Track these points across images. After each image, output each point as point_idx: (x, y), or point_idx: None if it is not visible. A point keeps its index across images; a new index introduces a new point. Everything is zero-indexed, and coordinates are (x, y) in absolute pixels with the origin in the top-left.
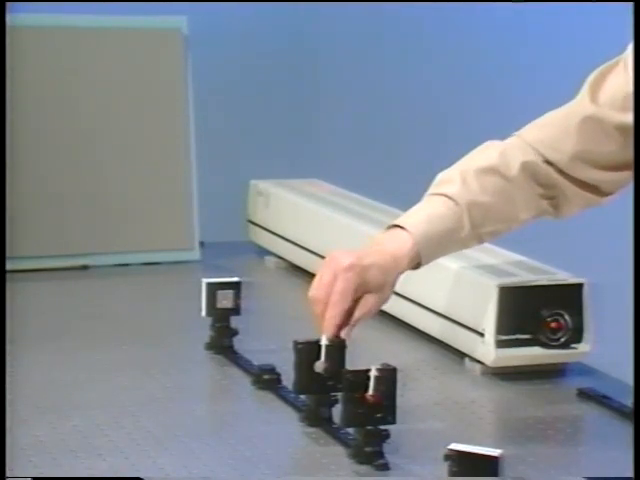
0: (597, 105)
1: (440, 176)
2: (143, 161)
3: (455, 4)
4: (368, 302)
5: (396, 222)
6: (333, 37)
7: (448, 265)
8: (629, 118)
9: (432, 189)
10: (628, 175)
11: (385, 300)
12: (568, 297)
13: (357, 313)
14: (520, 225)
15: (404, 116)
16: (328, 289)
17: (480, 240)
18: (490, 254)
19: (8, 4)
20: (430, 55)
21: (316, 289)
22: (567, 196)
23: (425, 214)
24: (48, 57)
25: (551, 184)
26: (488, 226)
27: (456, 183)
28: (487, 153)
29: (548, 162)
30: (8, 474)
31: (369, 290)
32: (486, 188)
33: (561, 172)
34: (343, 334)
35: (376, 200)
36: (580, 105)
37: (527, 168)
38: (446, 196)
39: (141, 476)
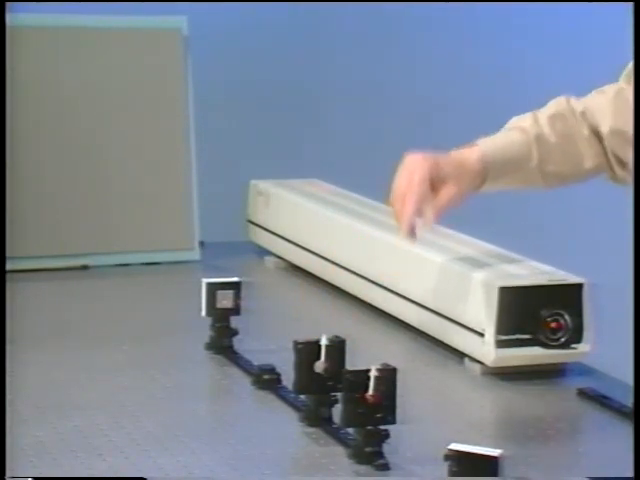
0: (629, 86)
1: (514, 118)
2: (143, 161)
3: (455, 4)
4: (450, 190)
5: (478, 143)
6: (333, 37)
7: (448, 265)
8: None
9: (506, 127)
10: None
11: (464, 192)
12: (568, 297)
13: (440, 201)
14: (584, 175)
15: (404, 116)
16: (406, 183)
17: (545, 179)
18: (490, 254)
19: (8, 4)
20: (431, 55)
21: (395, 187)
22: (610, 162)
23: (498, 139)
24: (48, 57)
25: (601, 140)
26: (554, 164)
27: (528, 120)
28: (558, 102)
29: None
30: (8, 474)
31: (446, 179)
32: (555, 129)
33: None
34: (425, 220)
35: (376, 200)
36: (619, 85)
37: (584, 117)
38: (519, 128)
39: (141, 476)
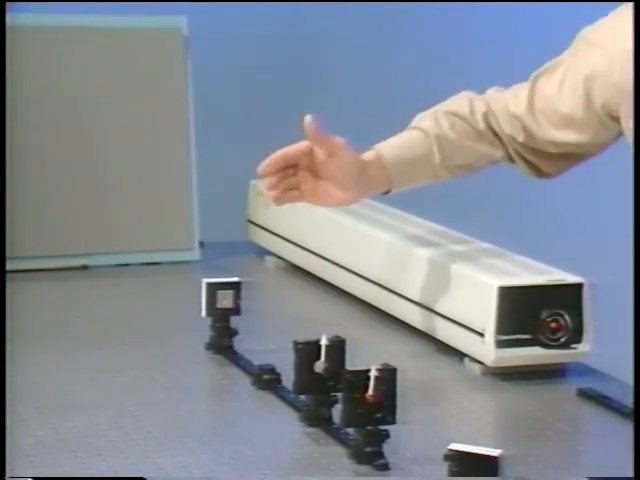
0: (531, 112)
1: (417, 116)
2: (143, 161)
3: (456, 4)
4: (337, 194)
5: (376, 146)
6: (333, 37)
7: (448, 265)
8: (558, 135)
9: (408, 127)
10: (566, 164)
11: (358, 197)
12: (568, 297)
13: (321, 199)
14: (490, 163)
15: (404, 116)
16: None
17: (452, 173)
18: (490, 254)
19: (8, 4)
20: (431, 55)
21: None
22: (512, 158)
23: (399, 142)
24: (48, 57)
25: (502, 140)
26: (458, 159)
27: (429, 120)
28: (459, 101)
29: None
30: (8, 474)
31: (333, 180)
32: (454, 127)
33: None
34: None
35: (376, 200)
36: (517, 103)
37: (484, 120)
38: (419, 129)
39: (141, 476)
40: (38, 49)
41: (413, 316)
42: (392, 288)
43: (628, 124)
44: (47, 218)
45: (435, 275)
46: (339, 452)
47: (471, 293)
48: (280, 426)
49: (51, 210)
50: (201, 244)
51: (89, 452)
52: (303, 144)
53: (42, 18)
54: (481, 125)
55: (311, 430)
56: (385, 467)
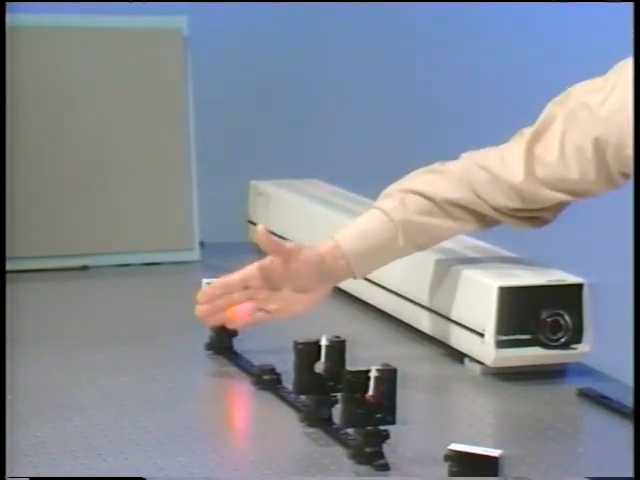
0: (531, 180)
1: (386, 190)
2: (143, 161)
3: (456, 4)
4: (302, 299)
5: (334, 235)
6: (333, 37)
7: (448, 265)
8: (564, 197)
9: (376, 202)
10: (563, 207)
11: (323, 295)
12: (568, 297)
13: (289, 309)
14: (464, 233)
15: (404, 116)
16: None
17: (419, 248)
18: (490, 254)
19: (8, 4)
20: (431, 55)
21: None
22: (498, 220)
23: (359, 230)
24: (48, 57)
25: (480, 213)
26: (425, 238)
27: (395, 200)
28: (428, 179)
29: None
30: (8, 474)
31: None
32: (422, 210)
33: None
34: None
35: (376, 200)
36: (511, 171)
37: (457, 204)
38: (383, 212)
39: (141, 476)
40: (38, 49)
41: (413, 316)
42: (392, 288)
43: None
44: (47, 218)
45: (435, 275)
46: (339, 452)
47: (471, 293)
48: (280, 426)
49: (51, 210)
50: (201, 244)
51: (89, 452)
52: (249, 268)
53: (42, 18)
54: (450, 207)
55: (311, 430)
56: (385, 467)
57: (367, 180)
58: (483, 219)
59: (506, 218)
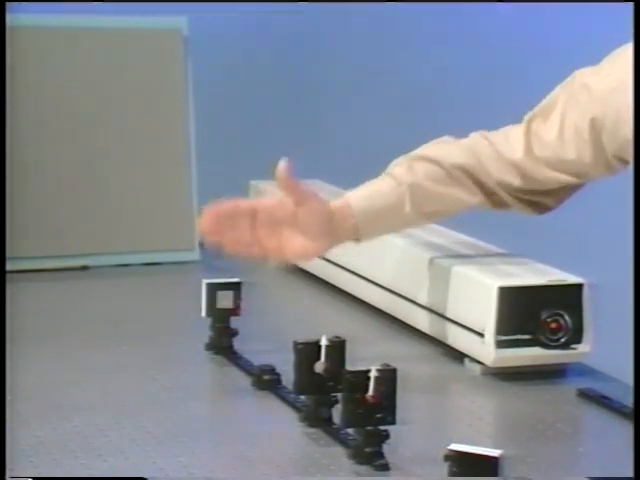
0: (530, 158)
1: (394, 161)
2: (143, 161)
3: (456, 4)
4: (307, 244)
5: (345, 196)
6: (333, 37)
7: (448, 265)
8: (564, 178)
9: (384, 172)
10: (565, 193)
11: (327, 246)
12: (568, 297)
13: (291, 250)
14: (466, 208)
15: (404, 116)
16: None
17: (427, 218)
18: (490, 254)
19: (8, 4)
20: (432, 55)
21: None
22: (504, 200)
23: (369, 191)
24: (48, 57)
25: (487, 187)
26: (431, 206)
27: (403, 166)
28: (436, 146)
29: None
30: (8, 474)
31: (301, 230)
32: (428, 174)
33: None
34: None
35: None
36: (512, 148)
37: (463, 169)
38: (391, 176)
39: (141, 476)
40: (38, 49)
41: (413, 316)
42: (392, 288)
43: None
44: (47, 218)
45: (435, 275)
46: (339, 452)
47: (471, 293)
48: (280, 426)
49: (51, 210)
50: (201, 244)
51: (89, 452)
52: (260, 201)
53: (42, 18)
54: (457, 172)
55: (311, 430)
56: (385, 467)
57: (367, 180)
58: (490, 195)
59: (509, 199)
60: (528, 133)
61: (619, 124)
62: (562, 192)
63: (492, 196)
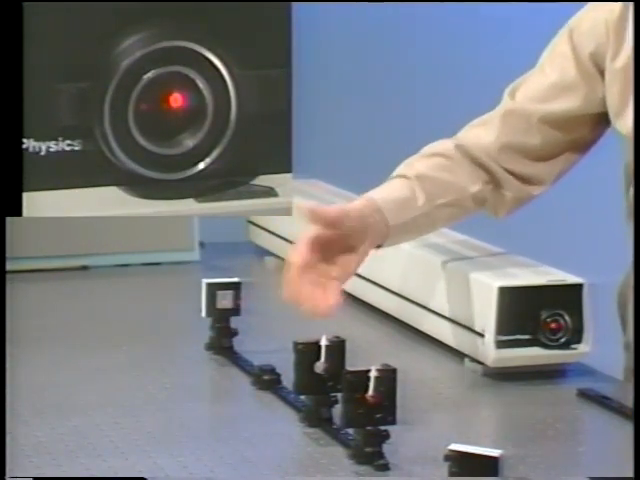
0: (516, 101)
1: (395, 170)
2: None
3: (456, 4)
4: (360, 250)
5: (362, 196)
6: (333, 37)
7: (448, 265)
8: (551, 107)
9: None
10: (558, 166)
11: (368, 249)
12: (568, 297)
13: (349, 266)
14: (471, 199)
15: (404, 116)
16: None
17: (443, 213)
18: (490, 254)
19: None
20: (431, 55)
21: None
22: (500, 182)
23: (382, 188)
24: None
25: (485, 167)
26: (442, 197)
27: (404, 167)
28: (429, 146)
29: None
30: (8, 474)
31: (350, 236)
32: (431, 166)
33: (492, 160)
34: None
35: None
36: (501, 105)
37: (461, 150)
38: (398, 176)
39: (141, 476)
40: None
41: (413, 316)
42: (392, 288)
43: (613, 65)
44: (47, 218)
45: (435, 275)
46: (339, 452)
47: (471, 293)
48: (280, 426)
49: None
50: (201, 244)
51: (89, 452)
52: (303, 248)
53: None
54: (457, 154)
55: (311, 430)
56: (385, 467)
57: (367, 180)
58: (497, 183)
59: (504, 175)
60: (512, 93)
61: (596, 24)
62: (554, 166)
63: (499, 182)
